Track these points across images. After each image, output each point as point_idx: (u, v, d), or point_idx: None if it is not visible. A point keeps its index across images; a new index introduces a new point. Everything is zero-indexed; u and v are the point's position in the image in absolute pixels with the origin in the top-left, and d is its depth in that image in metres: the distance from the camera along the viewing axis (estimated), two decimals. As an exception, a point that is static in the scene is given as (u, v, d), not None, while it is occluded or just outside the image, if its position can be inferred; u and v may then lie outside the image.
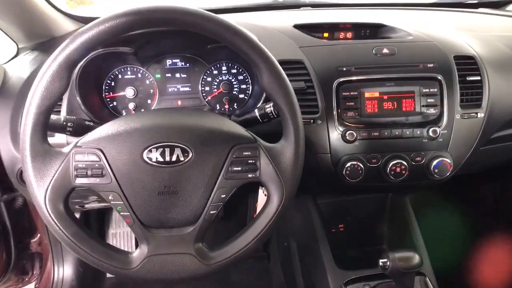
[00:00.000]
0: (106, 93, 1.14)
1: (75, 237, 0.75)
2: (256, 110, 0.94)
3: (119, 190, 0.75)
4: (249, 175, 0.78)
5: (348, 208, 1.40)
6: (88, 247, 0.76)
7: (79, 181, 0.74)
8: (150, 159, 0.74)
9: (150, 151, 0.74)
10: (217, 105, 1.18)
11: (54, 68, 0.70)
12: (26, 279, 1.71)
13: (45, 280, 1.69)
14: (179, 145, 0.75)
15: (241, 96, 1.18)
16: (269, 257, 1.83)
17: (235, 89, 1.17)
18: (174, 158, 0.74)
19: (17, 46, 1.21)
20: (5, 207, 1.40)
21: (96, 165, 0.74)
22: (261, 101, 1.07)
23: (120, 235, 1.84)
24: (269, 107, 0.91)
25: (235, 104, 1.18)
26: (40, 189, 0.73)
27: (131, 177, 0.74)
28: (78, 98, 1.02)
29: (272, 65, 0.76)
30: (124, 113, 1.14)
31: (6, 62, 1.19)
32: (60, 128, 0.88)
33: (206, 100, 1.17)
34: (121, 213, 0.77)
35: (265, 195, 0.84)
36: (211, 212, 0.78)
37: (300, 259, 1.45)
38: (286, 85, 0.77)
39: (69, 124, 0.88)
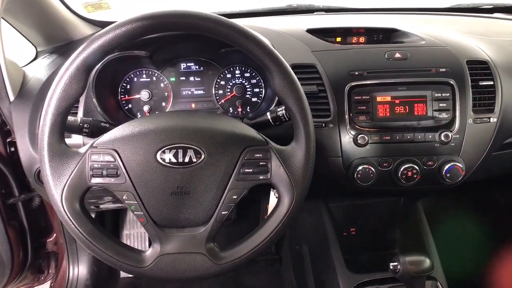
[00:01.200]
0: (122, 96, 1.16)
1: (90, 235, 0.77)
2: (268, 113, 0.95)
3: (133, 190, 0.77)
4: (260, 177, 0.79)
5: (359, 212, 1.40)
6: (103, 245, 0.78)
7: (95, 180, 0.76)
8: (164, 160, 0.76)
9: (164, 152, 0.76)
10: (230, 108, 1.19)
11: (71, 71, 0.73)
12: (42, 278, 1.73)
13: (60, 279, 1.71)
14: (192, 146, 0.76)
15: (254, 99, 1.19)
16: (281, 260, 1.84)
17: (248, 92, 1.19)
18: (187, 159, 0.76)
19: (36, 49, 1.25)
20: (23, 207, 1.42)
21: (111, 165, 0.76)
22: (274, 105, 1.09)
23: (134, 236, 1.86)
24: (281, 111, 0.92)
25: (248, 107, 1.19)
26: (57, 188, 0.75)
27: (145, 177, 0.76)
28: (94, 100, 1.04)
29: (284, 69, 0.77)
30: (139, 115, 1.17)
31: (25, 65, 1.22)
32: (77, 129, 0.90)
33: (220, 103, 1.19)
34: (135, 213, 0.78)
35: (276, 197, 0.85)
36: (223, 212, 0.79)
37: (311, 262, 1.45)
38: (298, 89, 0.79)
39: (85, 125, 0.90)
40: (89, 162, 0.76)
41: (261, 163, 0.79)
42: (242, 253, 0.80)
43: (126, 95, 1.16)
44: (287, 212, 0.80)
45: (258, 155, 0.79)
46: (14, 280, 1.54)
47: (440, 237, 1.31)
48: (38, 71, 1.15)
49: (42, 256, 1.68)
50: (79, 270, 1.64)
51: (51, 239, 1.66)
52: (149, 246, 0.81)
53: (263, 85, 1.19)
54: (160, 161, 0.76)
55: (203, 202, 0.78)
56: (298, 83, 0.79)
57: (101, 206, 1.34)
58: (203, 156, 0.76)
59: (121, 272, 1.82)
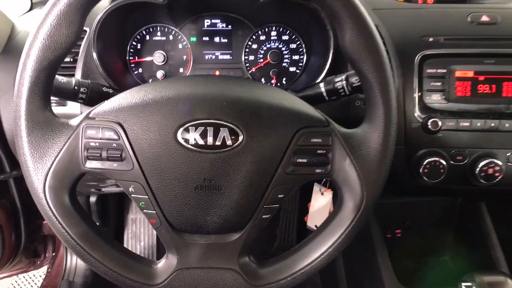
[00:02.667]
0: (131, 57, 0.95)
1: (82, 240, 0.58)
2: (321, 85, 0.73)
3: (143, 181, 0.56)
4: (317, 170, 0.58)
5: (408, 211, 1.18)
6: (99, 254, 0.58)
7: (90, 164, 0.56)
8: (187, 141, 0.54)
9: (187, 130, 0.54)
10: (263, 79, 0.97)
11: (60, 7, 0.51)
12: (38, 262, 1.61)
13: (57, 265, 1.56)
14: (227, 124, 0.55)
15: (292, 69, 0.97)
16: None
17: (286, 60, 0.97)
18: (218, 142, 0.55)
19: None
20: (15, 184, 1.27)
21: (114, 144, 0.55)
22: (322, 76, 0.86)
23: (140, 221, 1.66)
24: (341, 81, 0.70)
25: (284, 78, 0.97)
26: (38, 173, 0.55)
27: (159, 164, 0.55)
28: (95, 59, 0.82)
29: (360, 19, 0.55)
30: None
31: (18, 17, 1.02)
32: (71, 93, 0.69)
33: (250, 71, 0.97)
34: (145, 211, 0.58)
35: (322, 193, 0.63)
36: (264, 216, 0.59)
37: (345, 266, 1.24)
38: (379, 49, 0.56)
39: (82, 89, 0.69)
40: (83, 139, 0.55)
41: (319, 152, 0.57)
42: (289, 272, 0.60)
43: (136, 57, 0.95)
44: (353, 220, 0.58)
45: (316, 140, 0.57)
46: (7, 264, 1.42)
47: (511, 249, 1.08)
48: (29, 23, 0.94)
49: (38, 239, 1.55)
50: (77, 258, 1.45)
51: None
52: (158, 254, 0.61)
53: (304, 51, 0.96)
54: (182, 142, 0.54)
55: (239, 201, 0.57)
56: (380, 41, 0.56)
57: (103, 189, 1.14)
58: (241, 138, 0.55)
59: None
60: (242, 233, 0.59)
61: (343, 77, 0.70)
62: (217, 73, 0.96)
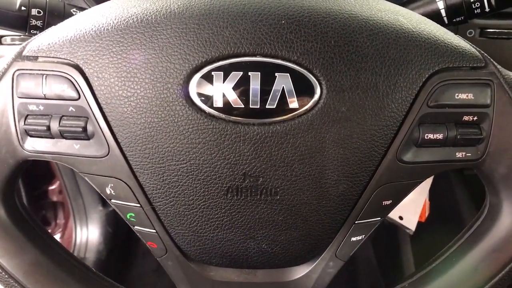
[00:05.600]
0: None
1: (28, 277, 0.33)
2: None
3: (129, 176, 0.31)
4: (459, 154, 0.31)
5: None
6: None
7: (34, 145, 0.31)
8: (208, 100, 0.28)
9: (208, 78, 0.28)
10: None
11: None
12: (49, 230, 1.47)
13: (68, 235, 1.38)
14: (289, 65, 0.28)
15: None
16: None
17: None
18: (272, 102, 0.28)
19: None
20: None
21: (71, 108, 0.30)
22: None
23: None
24: None
25: None
26: None
27: (157, 146, 0.30)
28: None
29: None
30: None
31: None
32: (16, 20, 0.42)
33: None
34: (137, 228, 0.34)
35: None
36: (354, 238, 0.33)
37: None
38: None
39: (34, 11, 0.41)
40: (15, 99, 0.31)
41: (466, 118, 0.29)
42: None
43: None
44: None
45: (463, 96, 0.29)
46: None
47: None
48: None
49: (46, 207, 1.38)
50: (89, 231, 1.25)
51: (54, 186, 1.35)
52: None
53: None
54: (199, 103, 0.28)
55: (309, 214, 0.32)
56: None
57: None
58: (317, 94, 0.28)
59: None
60: (313, 267, 0.33)
61: None
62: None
